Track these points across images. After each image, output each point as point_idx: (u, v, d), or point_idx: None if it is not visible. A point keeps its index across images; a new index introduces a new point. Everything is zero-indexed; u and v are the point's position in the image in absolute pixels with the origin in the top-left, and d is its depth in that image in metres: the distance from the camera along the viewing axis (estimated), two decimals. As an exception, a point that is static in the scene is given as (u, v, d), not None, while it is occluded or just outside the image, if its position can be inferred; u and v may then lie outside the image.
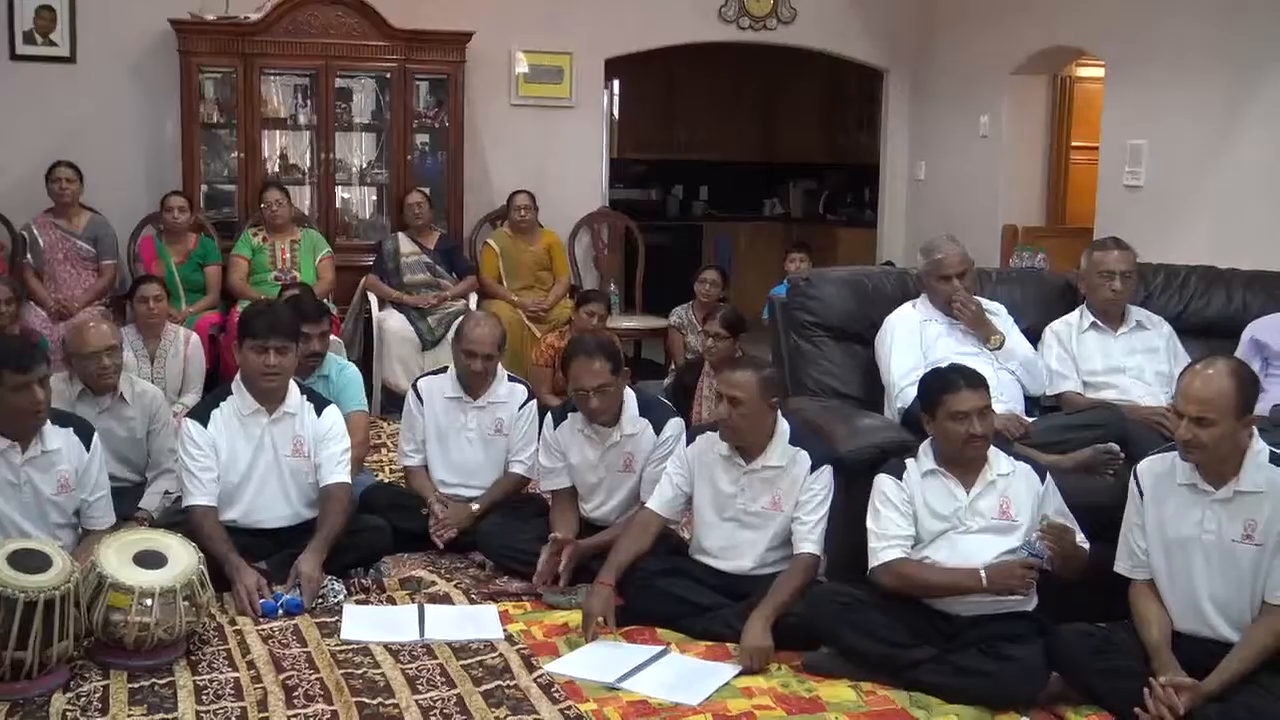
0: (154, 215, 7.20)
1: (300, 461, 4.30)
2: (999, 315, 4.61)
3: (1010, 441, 4.05)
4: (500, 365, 4.86)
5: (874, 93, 9.44)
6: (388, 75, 7.65)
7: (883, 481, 3.75)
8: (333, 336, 6.33)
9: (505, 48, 8.09)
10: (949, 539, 3.66)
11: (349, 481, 4.32)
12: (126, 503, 4.52)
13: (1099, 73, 7.67)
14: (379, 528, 4.42)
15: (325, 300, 6.96)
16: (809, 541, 3.88)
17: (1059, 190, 7.89)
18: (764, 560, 3.98)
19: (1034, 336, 4.64)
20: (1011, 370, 4.46)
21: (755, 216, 11.64)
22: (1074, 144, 7.90)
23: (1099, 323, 4.59)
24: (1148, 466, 3.54)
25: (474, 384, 4.77)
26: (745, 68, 10.94)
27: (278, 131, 7.80)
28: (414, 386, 4.91)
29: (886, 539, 3.68)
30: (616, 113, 11.09)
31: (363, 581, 4.24)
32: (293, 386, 4.34)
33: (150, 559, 3.60)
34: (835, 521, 3.94)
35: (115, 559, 3.57)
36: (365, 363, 7.14)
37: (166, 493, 4.61)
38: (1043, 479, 3.72)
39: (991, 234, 7.55)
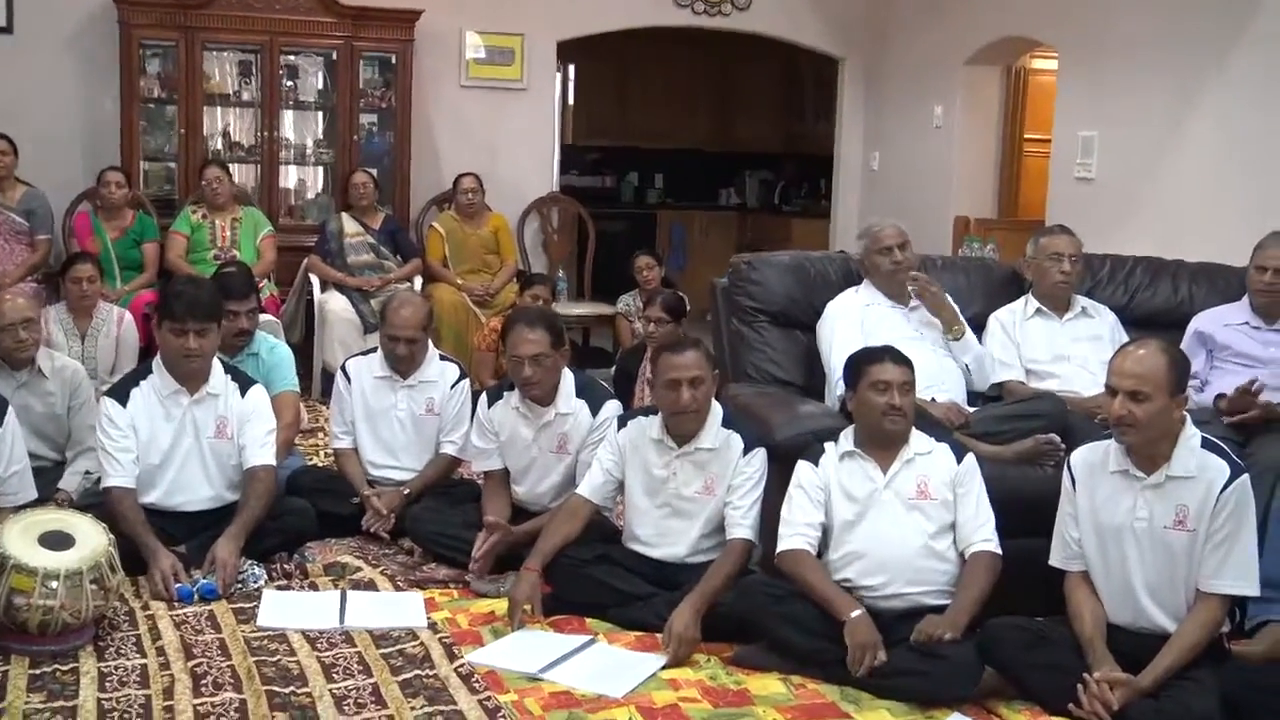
0: (91, 191, 7.03)
1: (223, 443, 4.17)
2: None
3: (950, 431, 3.98)
4: (431, 344, 4.75)
5: (830, 82, 9.37)
6: (334, 53, 7.51)
7: (799, 467, 3.68)
8: (270, 317, 6.23)
9: (456, 27, 7.95)
10: (868, 523, 3.58)
11: (273, 464, 4.20)
12: (45, 482, 4.37)
13: (1052, 65, 7.64)
14: (303, 511, 4.29)
15: (266, 280, 6.87)
16: (741, 527, 3.79)
17: (1011, 182, 7.84)
18: (698, 547, 3.88)
19: (979, 326, 4.57)
20: (963, 363, 4.38)
21: (711, 206, 11.55)
22: (1027, 135, 7.85)
23: (1044, 308, 4.53)
24: (1080, 456, 3.48)
25: (402, 365, 4.65)
26: (702, 54, 10.83)
27: (220, 108, 7.64)
28: (342, 368, 4.79)
29: (793, 525, 3.61)
30: (571, 98, 10.97)
31: (285, 567, 4.11)
32: (216, 365, 4.21)
33: (57, 540, 3.46)
34: (768, 509, 3.85)
35: (20, 540, 3.43)
36: (306, 345, 7.04)
37: (87, 473, 4.45)
38: (960, 459, 3.63)
39: (944, 225, 7.49)
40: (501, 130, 8.14)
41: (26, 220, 6.77)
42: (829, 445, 3.68)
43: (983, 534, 3.56)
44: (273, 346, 4.95)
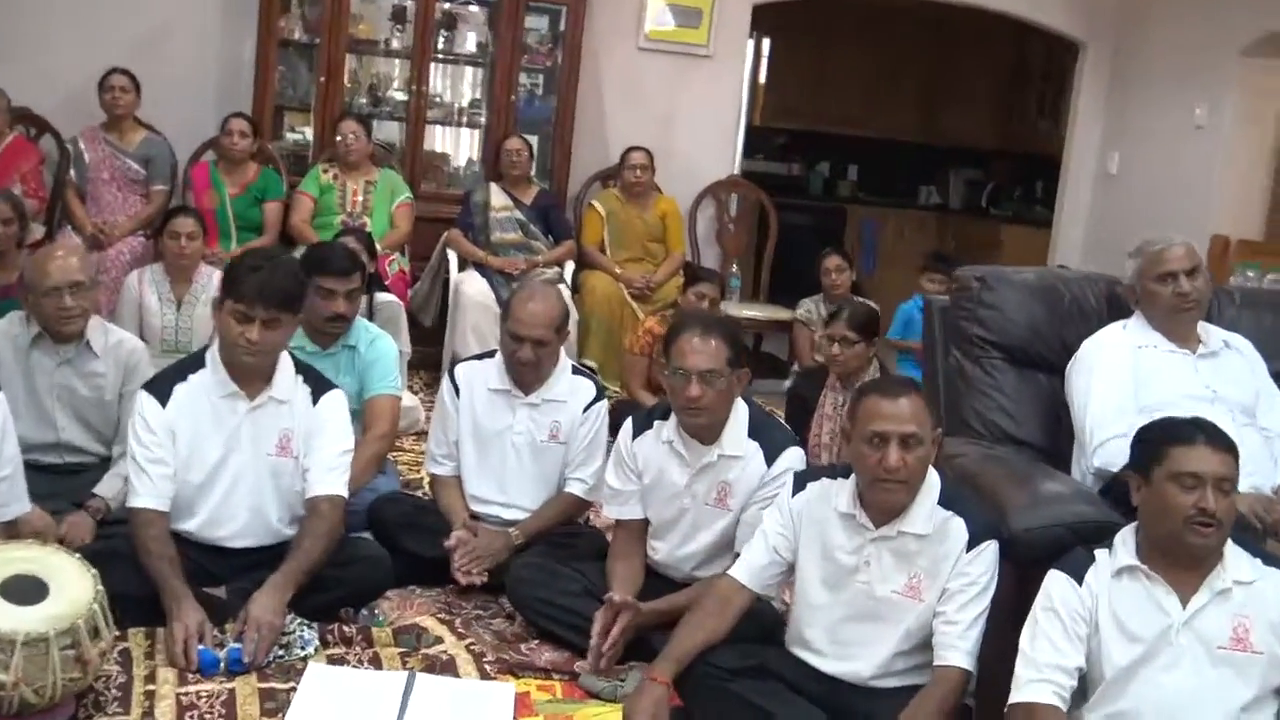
0: (215, 141, 6.27)
1: (286, 461, 3.26)
2: (1242, 351, 3.39)
3: (1261, 535, 2.83)
4: (563, 353, 3.78)
5: (1063, 71, 8.13)
6: (498, 2, 6.61)
7: (1053, 582, 2.60)
8: (391, 297, 5.37)
9: (637, -20, 6.98)
10: (1153, 675, 2.49)
11: (342, 495, 3.27)
12: (84, 483, 3.60)
13: (1347, 61, 6.34)
14: (377, 559, 3.36)
15: (399, 253, 6.03)
16: (957, 651, 2.72)
17: (1285, 199, 6.52)
18: (889, 667, 2.82)
19: (1288, 383, 3.41)
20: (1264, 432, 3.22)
21: (908, 204, 10.34)
22: (1307, 145, 6.53)
23: (1386, 372, 3.34)
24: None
25: (525, 376, 3.69)
26: (915, 33, 9.62)
27: (366, 56, 6.81)
28: (449, 373, 3.84)
29: (1036, 666, 2.54)
30: (762, 75, 9.89)
31: (344, 629, 3.17)
32: (286, 363, 3.29)
33: (26, 589, 2.57)
34: (995, 622, 2.77)
35: (-23, 585, 2.56)
36: (439, 331, 6.19)
37: (131, 477, 3.60)
38: None
39: (1197, 245, 6.20)
40: (681, 102, 7.14)
41: (144, 168, 6.07)
42: (1100, 554, 2.58)
43: (1326, 712, 2.43)
44: (374, 339, 4.03)
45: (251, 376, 3.23)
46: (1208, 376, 3.26)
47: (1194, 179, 6.58)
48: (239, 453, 3.24)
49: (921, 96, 10.21)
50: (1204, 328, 3.37)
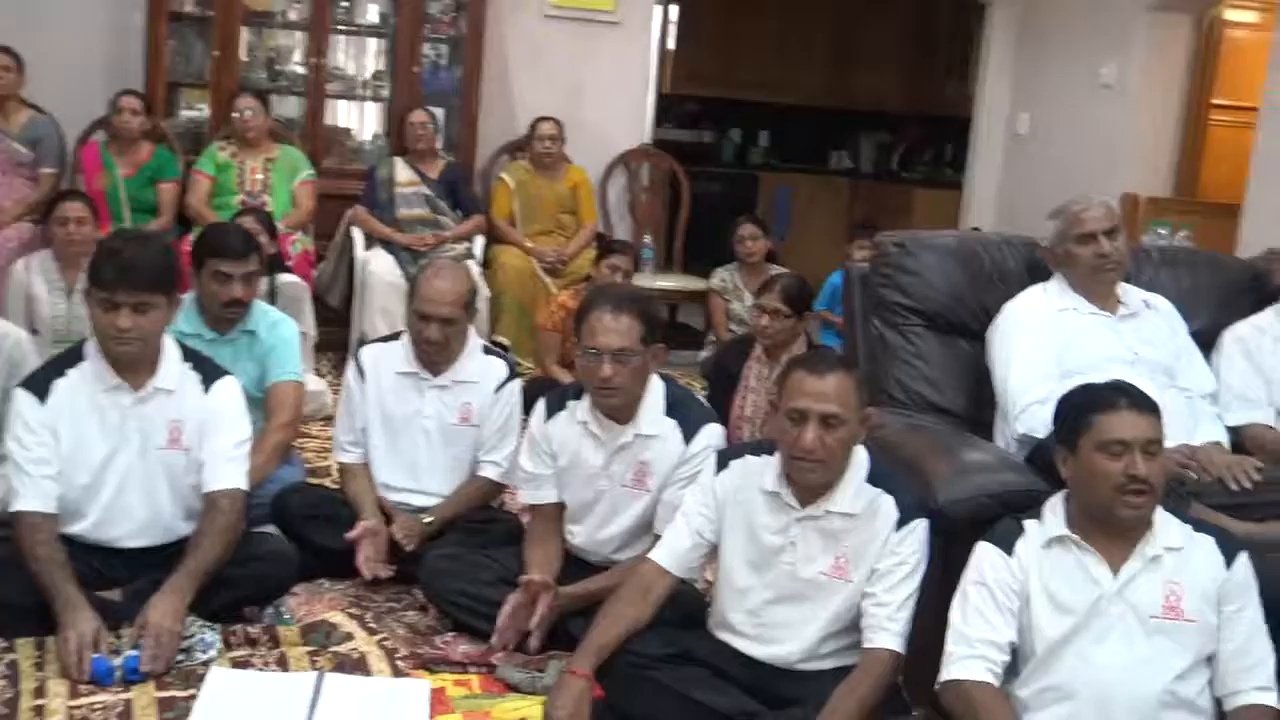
0: (107, 119, 6.01)
1: (177, 455, 3.08)
2: (1161, 311, 3.35)
3: (1186, 497, 2.79)
4: (472, 332, 3.64)
5: (970, 31, 8.08)
6: (398, -33, 6.42)
7: (982, 555, 2.53)
8: (294, 278, 5.20)
9: (540, -55, 6.82)
10: (1085, 647, 2.43)
11: (241, 488, 3.10)
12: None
13: (1252, 16, 6.35)
14: (281, 554, 3.20)
15: (301, 233, 5.84)
16: (886, 632, 2.64)
17: (1194, 157, 6.53)
18: (816, 650, 2.74)
19: (1207, 344, 3.37)
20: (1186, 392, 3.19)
21: (820, 169, 10.28)
22: (1214, 101, 6.54)
23: (1310, 327, 3.32)
24: None
25: (433, 357, 3.55)
26: (824, -2, 9.57)
27: (263, 30, 6.58)
28: (356, 357, 3.68)
29: (968, 642, 2.48)
30: (671, 41, 9.74)
31: (249, 630, 3.02)
32: (170, 350, 3.11)
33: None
34: (924, 597, 2.70)
35: None
36: (346, 312, 6.01)
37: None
38: (1231, 560, 2.47)
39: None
40: (589, 70, 6.98)
41: (31, 150, 5.79)
42: (1030, 525, 2.51)
43: (1257, 677, 2.39)
44: (274, 323, 3.85)
45: (133, 367, 3.03)
46: (1129, 338, 3.22)
47: (1103, 138, 6.58)
48: (127, 448, 3.05)
49: (831, 60, 10.12)
50: (1124, 289, 3.33)
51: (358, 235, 6.04)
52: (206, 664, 2.84)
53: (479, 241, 6.17)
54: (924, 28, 9.83)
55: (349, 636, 3.04)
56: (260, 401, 3.69)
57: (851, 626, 2.71)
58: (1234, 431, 3.25)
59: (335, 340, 5.91)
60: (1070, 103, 6.91)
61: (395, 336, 3.70)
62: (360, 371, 3.62)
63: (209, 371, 3.15)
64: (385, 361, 3.61)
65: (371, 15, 6.67)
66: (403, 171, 6.14)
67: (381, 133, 6.78)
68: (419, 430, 3.59)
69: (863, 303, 3.46)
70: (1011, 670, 2.49)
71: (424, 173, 6.16)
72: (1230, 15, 6.52)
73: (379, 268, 5.86)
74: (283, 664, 2.90)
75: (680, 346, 6.51)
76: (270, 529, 3.43)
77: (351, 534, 3.40)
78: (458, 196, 6.23)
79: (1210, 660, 2.43)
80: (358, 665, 2.91)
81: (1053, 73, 7.12)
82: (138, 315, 2.93)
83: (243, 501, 3.10)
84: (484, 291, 5.83)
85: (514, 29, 6.84)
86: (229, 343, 3.74)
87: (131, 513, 3.08)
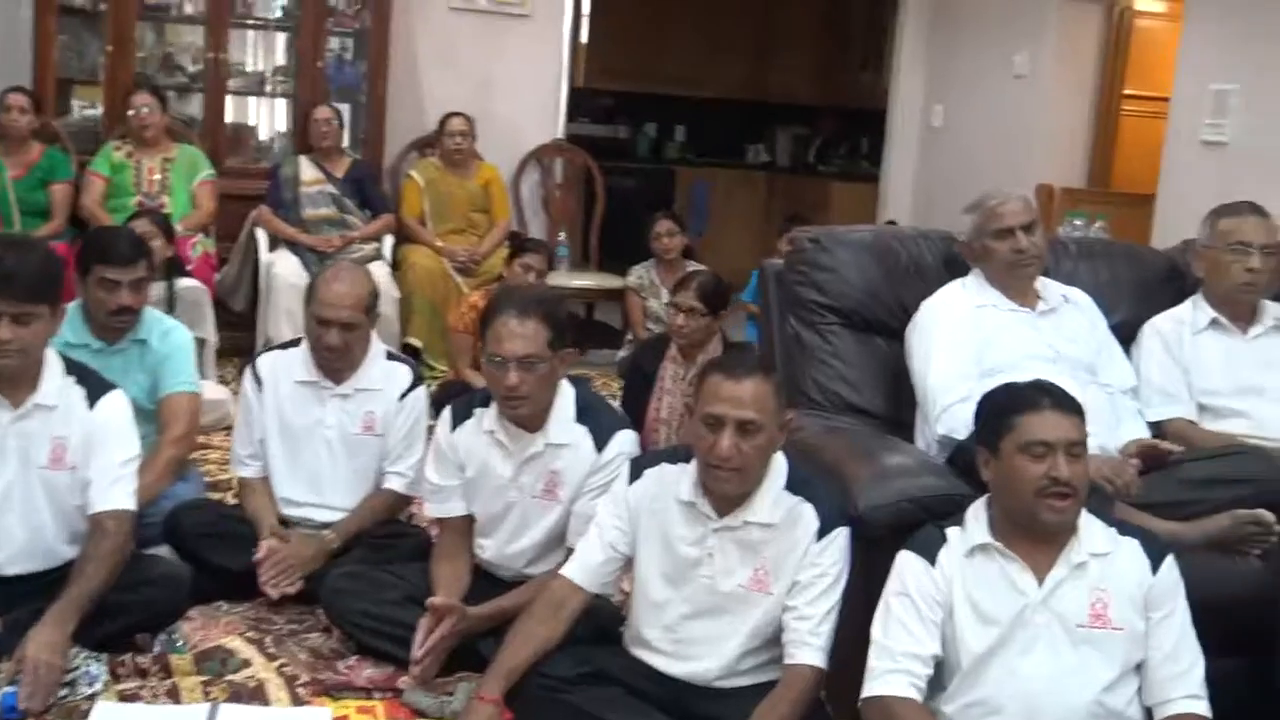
0: (-9, 119, 5.76)
1: (60, 475, 2.90)
2: (1081, 306, 3.29)
3: (1108, 499, 2.73)
4: (375, 337, 3.50)
5: (882, 24, 8.04)
6: (299, -41, 6.24)
7: (905, 564, 2.44)
8: (194, 282, 5.02)
9: (447, -63, 6.66)
10: (1011, 659, 2.35)
11: (129, 509, 2.93)
12: None
13: (1160, 6, 6.38)
14: (172, 578, 3.04)
15: (202, 235, 5.65)
16: (808, 648, 2.54)
17: (1105, 146, 6.54)
18: (736, 666, 2.63)
19: (1126, 338, 3.32)
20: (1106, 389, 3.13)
21: (737, 163, 10.20)
22: (1125, 91, 6.55)
23: (1222, 320, 3.28)
24: None
25: (333, 363, 3.40)
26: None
27: (159, 23, 6.37)
28: (252, 365, 3.52)
29: (890, 656, 2.38)
30: (584, 34, 9.61)
31: (138, 659, 2.85)
32: (53, 363, 2.93)
33: None
34: (845, 608, 2.61)
35: None
36: (251, 316, 5.82)
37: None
38: (1157, 564, 2.40)
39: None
40: (499, 64, 6.85)
41: (-89, 152, 5.55)
42: (952, 533, 2.42)
43: (1187, 685, 2.33)
44: (167, 331, 3.66)
45: (13, 381, 2.85)
46: (1049, 335, 3.15)
47: (1017, 128, 6.56)
48: (5, 468, 2.86)
49: (746, 53, 10.06)
50: (1043, 283, 3.26)
51: (262, 237, 5.86)
52: (92, 698, 2.68)
53: (388, 241, 6.02)
54: (838, 19, 9.80)
55: (246, 663, 2.90)
56: (153, 414, 3.52)
57: (772, 641, 2.62)
58: (1155, 427, 3.19)
59: (240, 346, 5.72)
60: (984, 93, 6.90)
61: (294, 343, 3.54)
62: (257, 381, 3.45)
63: (94, 386, 2.97)
64: (283, 370, 3.45)
65: (273, 8, 6.49)
66: (308, 170, 5.97)
67: (285, 130, 6.60)
68: (320, 441, 3.43)
69: (779, 300, 3.36)
70: (937, 685, 2.41)
71: (330, 171, 6.00)
72: (1140, 5, 6.53)
73: (284, 270, 5.68)
74: (174, 695, 2.75)
75: (598, 346, 6.42)
76: (163, 550, 3.26)
77: (257, 555, 3.24)
78: (365, 195, 6.08)
79: (1139, 668, 2.36)
80: (255, 694, 2.77)
81: (966, 63, 7.11)
82: (18, 326, 2.75)
83: (130, 522, 2.93)
84: (393, 293, 5.68)
85: (421, 22, 6.70)
86: (118, 353, 3.55)
87: (11, 536, 2.89)
